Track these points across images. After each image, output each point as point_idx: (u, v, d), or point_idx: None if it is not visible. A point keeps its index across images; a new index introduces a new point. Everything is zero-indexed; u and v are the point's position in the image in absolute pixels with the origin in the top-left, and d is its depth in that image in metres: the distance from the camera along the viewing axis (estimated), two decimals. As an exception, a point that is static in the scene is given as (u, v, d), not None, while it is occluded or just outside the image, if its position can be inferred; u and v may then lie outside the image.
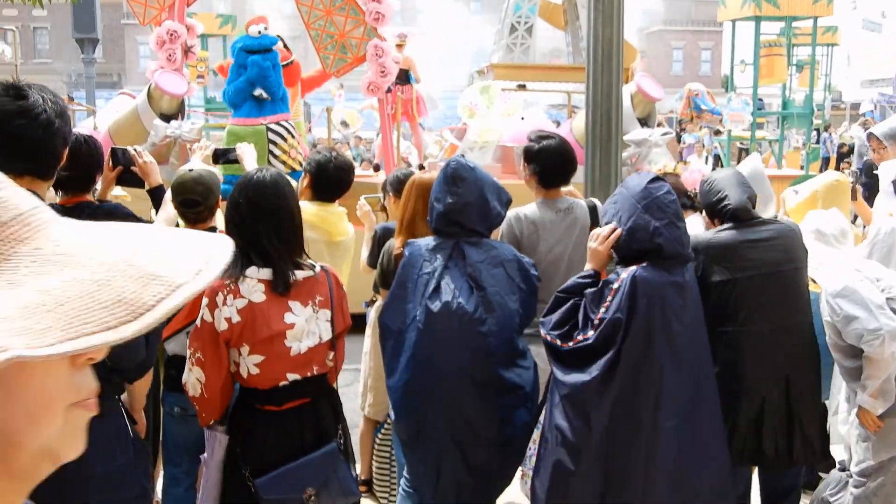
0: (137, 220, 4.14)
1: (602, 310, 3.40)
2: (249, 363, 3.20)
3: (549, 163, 4.60)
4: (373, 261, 4.76)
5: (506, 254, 3.77)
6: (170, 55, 8.67)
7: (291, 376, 3.26)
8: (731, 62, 15.73)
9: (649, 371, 3.35)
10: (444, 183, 3.79)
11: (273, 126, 8.10)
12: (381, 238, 4.77)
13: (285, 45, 9.57)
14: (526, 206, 4.65)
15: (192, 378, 3.23)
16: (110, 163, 4.37)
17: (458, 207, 3.73)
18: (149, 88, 8.47)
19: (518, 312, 3.69)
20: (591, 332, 3.40)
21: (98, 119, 10.14)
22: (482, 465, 3.71)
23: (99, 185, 4.26)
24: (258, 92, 8.00)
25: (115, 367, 2.81)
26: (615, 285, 3.41)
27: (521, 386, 3.69)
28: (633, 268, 3.42)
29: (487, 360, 3.63)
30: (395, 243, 4.23)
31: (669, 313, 3.38)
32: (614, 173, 5.42)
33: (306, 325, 3.23)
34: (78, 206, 3.75)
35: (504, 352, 3.66)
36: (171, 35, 8.67)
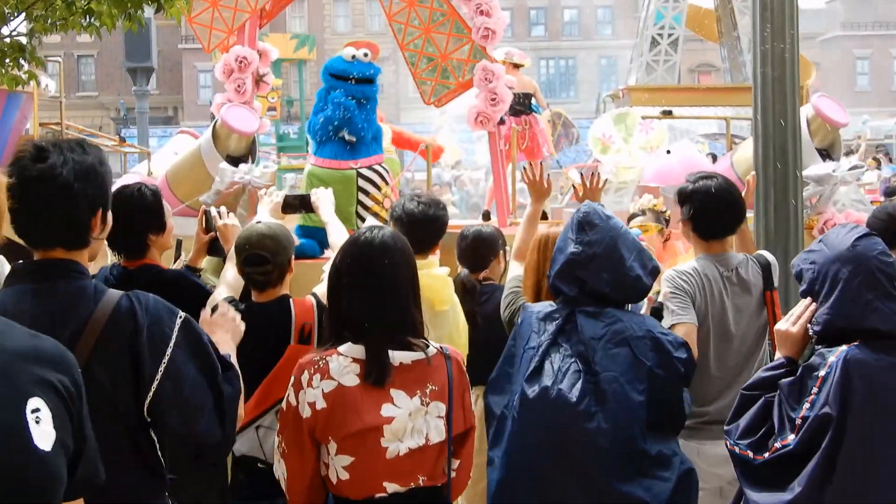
0: (202, 290, 4.26)
1: (806, 405, 3.21)
2: (338, 465, 3.17)
3: (707, 206, 4.54)
4: None
5: (636, 328, 3.64)
6: (238, 86, 8.92)
7: (391, 486, 3.18)
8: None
9: (872, 482, 3.17)
10: (571, 230, 3.77)
11: (364, 171, 8.08)
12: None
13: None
14: (685, 264, 4.58)
15: (278, 472, 3.27)
16: (203, 225, 4.53)
17: (582, 259, 3.68)
18: (214, 126, 8.71)
19: (644, 406, 3.54)
20: (791, 436, 3.23)
21: (153, 162, 10.48)
22: None
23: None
24: (344, 135, 8.10)
25: (194, 453, 2.87)
26: (821, 372, 3.22)
27: None
28: (844, 348, 3.24)
29: (597, 467, 3.51)
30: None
31: (894, 405, 3.21)
32: (793, 220, 5.32)
33: (410, 421, 3.17)
34: (140, 270, 3.89)
35: (623, 457, 3.50)
36: (241, 63, 8.92)
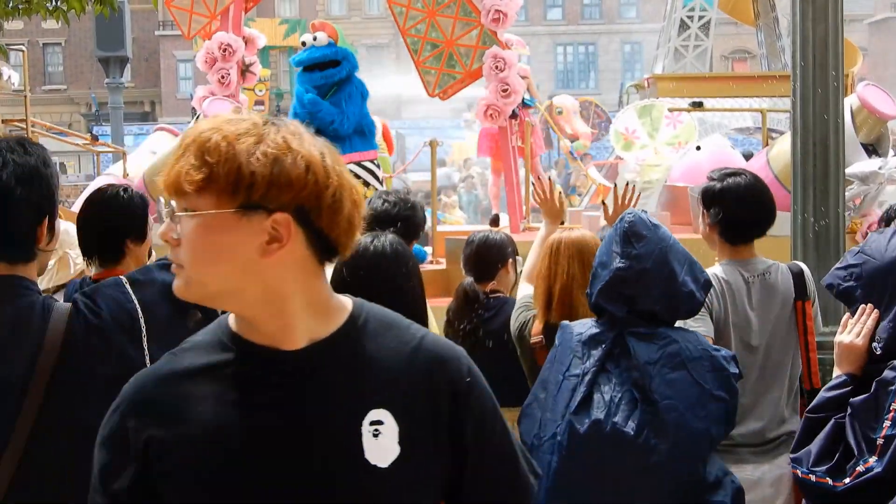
0: (180, 304, 4.28)
1: (887, 423, 3.19)
2: None
3: (736, 207, 4.56)
4: None
5: (691, 348, 3.62)
6: (222, 77, 8.96)
7: None
8: None
9: None
10: (616, 242, 3.72)
11: (352, 167, 8.11)
12: None
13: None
14: (707, 269, 4.61)
15: None
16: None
17: (630, 276, 3.65)
18: (195, 122, 8.74)
19: (708, 433, 3.56)
20: (873, 459, 3.21)
21: (129, 162, 10.50)
22: None
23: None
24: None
25: None
26: None
27: None
28: None
29: (660, 501, 3.54)
30: (533, 328, 4.23)
31: None
32: (834, 223, 5.33)
33: None
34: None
35: (686, 489, 3.53)
36: (225, 51, 8.96)
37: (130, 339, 2.83)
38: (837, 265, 3.58)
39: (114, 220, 4.03)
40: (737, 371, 3.68)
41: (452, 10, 8.87)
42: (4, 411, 2.71)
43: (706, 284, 3.79)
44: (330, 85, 8.37)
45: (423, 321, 3.35)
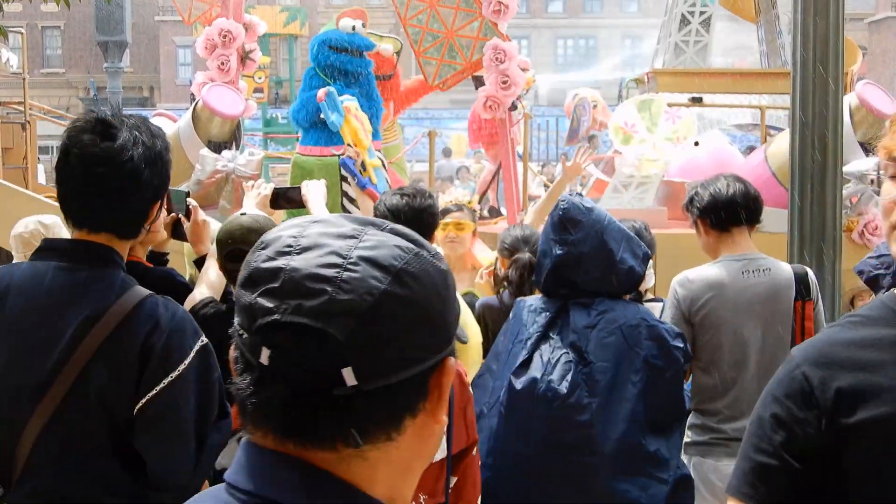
0: (186, 288, 4.30)
1: None
2: None
3: (714, 188, 4.59)
4: None
5: (630, 317, 3.73)
6: (222, 63, 8.95)
7: None
8: None
9: None
10: (552, 230, 3.83)
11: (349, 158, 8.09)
12: (479, 317, 4.85)
13: (397, 52, 9.74)
14: (699, 267, 4.61)
15: None
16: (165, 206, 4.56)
17: (570, 262, 3.75)
18: (194, 108, 8.74)
19: (642, 398, 3.63)
20: None
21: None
22: None
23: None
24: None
25: (157, 485, 2.89)
26: None
27: None
28: None
29: (591, 463, 3.58)
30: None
31: None
32: (831, 221, 5.34)
33: None
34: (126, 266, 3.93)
35: (619, 452, 3.59)
36: (225, 37, 8.94)
37: (181, 351, 2.82)
38: (870, 254, 3.67)
39: None
40: (681, 346, 3.77)
41: (454, 1, 8.89)
42: (42, 366, 2.74)
43: (645, 257, 3.89)
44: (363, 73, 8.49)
45: None
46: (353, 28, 8.54)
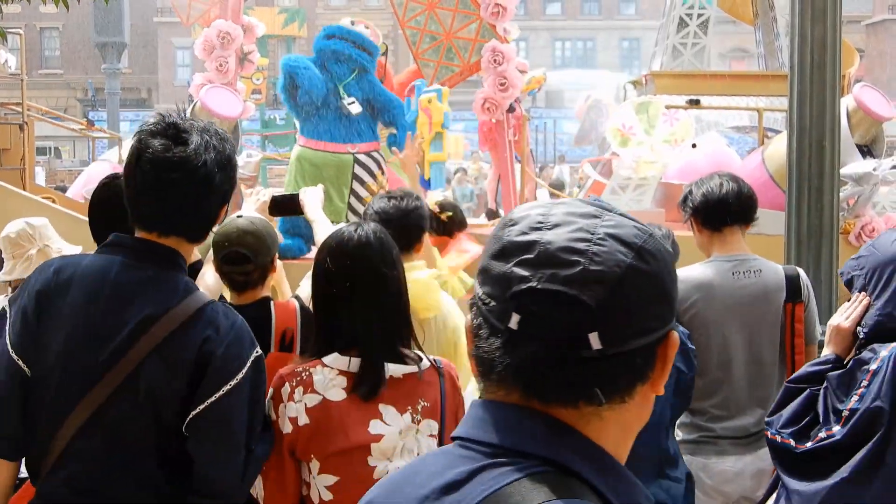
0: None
1: (854, 398, 3.38)
2: (321, 484, 3.18)
3: (706, 186, 4.59)
4: None
5: None
6: (220, 65, 8.97)
7: None
8: None
9: None
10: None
11: (362, 157, 7.95)
12: None
13: (384, 54, 9.76)
14: (688, 267, 4.61)
15: (255, 492, 3.25)
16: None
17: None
18: (192, 109, 8.76)
19: (666, 403, 3.69)
20: (836, 427, 3.39)
21: (125, 148, 10.52)
22: None
23: None
24: (344, 98, 7.84)
25: (204, 490, 2.89)
26: (872, 366, 3.38)
27: None
28: None
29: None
30: None
31: None
32: (828, 223, 5.35)
33: (400, 440, 3.19)
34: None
35: (649, 459, 3.64)
36: (224, 38, 8.97)
37: (239, 360, 2.84)
38: (853, 256, 3.74)
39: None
40: (693, 348, 3.89)
41: (452, 3, 8.91)
42: (95, 359, 2.75)
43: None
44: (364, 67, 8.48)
45: (406, 309, 3.37)
46: (353, 22, 8.51)
